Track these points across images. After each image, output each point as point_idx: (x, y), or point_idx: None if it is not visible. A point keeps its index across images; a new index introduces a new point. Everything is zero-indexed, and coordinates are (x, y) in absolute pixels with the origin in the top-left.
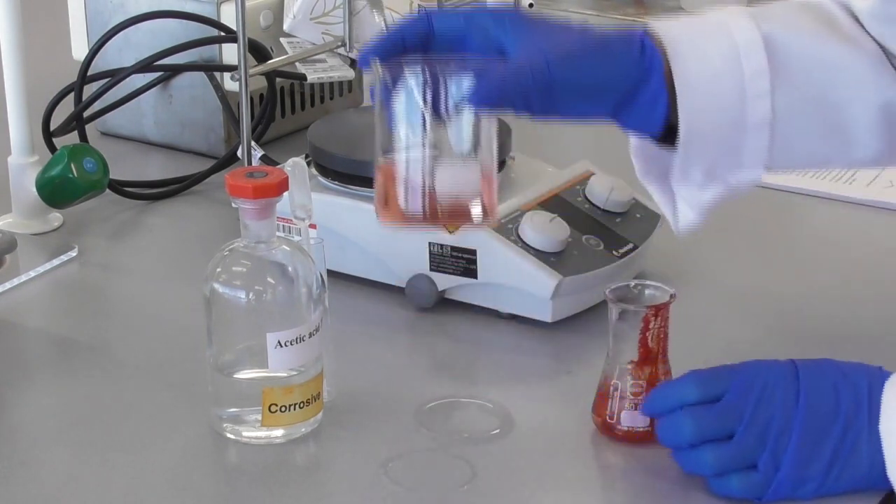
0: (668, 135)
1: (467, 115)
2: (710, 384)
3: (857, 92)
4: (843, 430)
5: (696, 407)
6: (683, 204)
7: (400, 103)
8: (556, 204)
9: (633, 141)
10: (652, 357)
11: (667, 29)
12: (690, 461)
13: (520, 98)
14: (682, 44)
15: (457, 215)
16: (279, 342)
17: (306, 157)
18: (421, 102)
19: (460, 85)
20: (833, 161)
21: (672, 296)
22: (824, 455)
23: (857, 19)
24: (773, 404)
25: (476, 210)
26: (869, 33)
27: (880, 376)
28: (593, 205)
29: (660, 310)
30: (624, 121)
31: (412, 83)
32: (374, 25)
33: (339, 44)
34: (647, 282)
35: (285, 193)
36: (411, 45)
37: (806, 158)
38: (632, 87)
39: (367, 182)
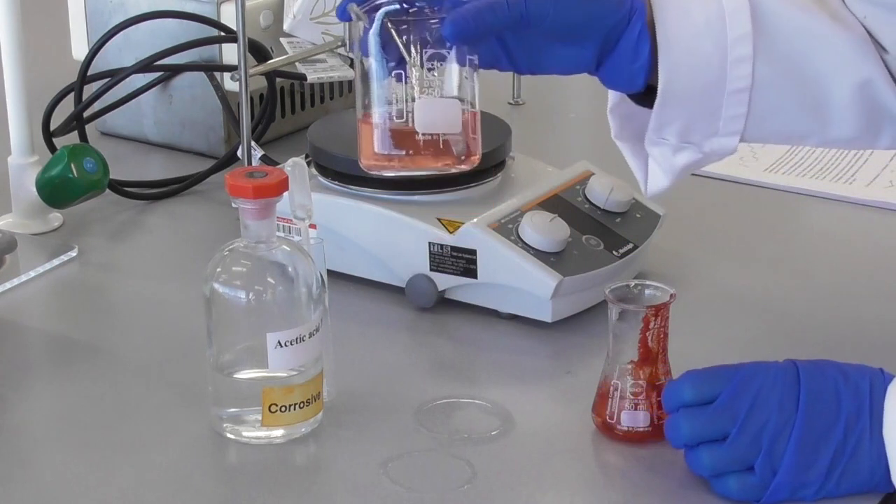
0: (646, 96)
1: (448, 56)
2: (706, 385)
3: (837, 68)
4: (844, 433)
5: (691, 408)
6: (655, 166)
7: (379, 48)
8: (556, 204)
9: (612, 99)
10: (652, 357)
11: None
12: (691, 461)
13: (495, 33)
14: (668, 4)
15: (438, 154)
16: (279, 342)
17: (306, 157)
18: (401, 45)
19: (439, 26)
20: (809, 137)
21: (672, 296)
22: (824, 458)
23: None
24: (770, 406)
25: (458, 148)
26: (854, 15)
27: (882, 379)
28: (593, 205)
29: (660, 310)
30: (605, 73)
31: (391, 27)
32: None
33: (339, 44)
34: (647, 282)
35: (285, 193)
36: None
37: (782, 131)
38: (613, 32)
39: (368, 182)
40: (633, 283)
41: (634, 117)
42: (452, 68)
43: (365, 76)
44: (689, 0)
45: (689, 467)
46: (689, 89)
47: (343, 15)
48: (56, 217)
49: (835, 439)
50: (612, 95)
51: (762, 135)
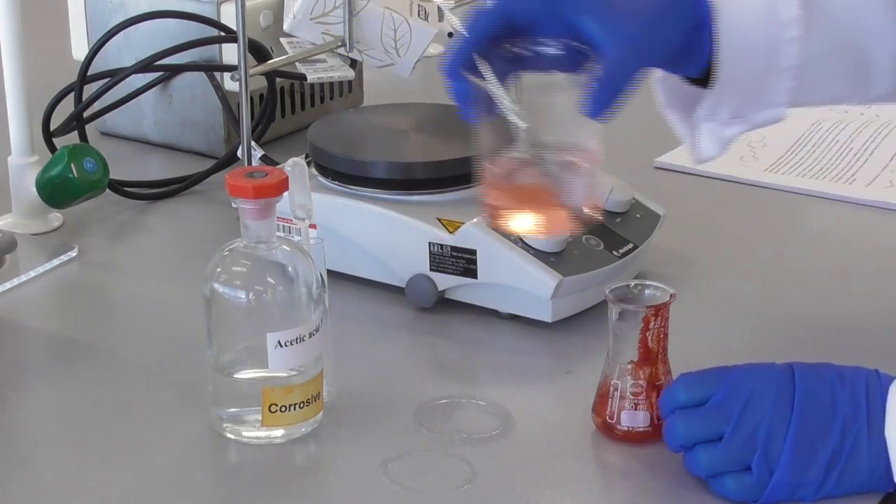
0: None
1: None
2: (699, 386)
3: (879, 34)
4: (841, 434)
5: (686, 409)
6: (705, 136)
7: (492, 108)
8: None
9: (659, 72)
10: (652, 357)
11: None
12: (688, 462)
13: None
14: None
15: (559, 214)
16: (279, 342)
17: (306, 157)
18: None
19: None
20: (851, 98)
21: (672, 296)
22: (822, 458)
23: None
24: (764, 407)
25: (579, 204)
26: None
27: (878, 380)
28: None
29: (660, 310)
30: (667, 67)
31: (500, 89)
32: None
33: (339, 44)
34: (647, 282)
35: (285, 193)
36: (487, 42)
37: (827, 97)
38: (686, 42)
39: (368, 182)
40: (633, 283)
41: (682, 90)
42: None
43: (488, 129)
44: None
45: (686, 469)
46: (744, 73)
47: (454, 76)
48: (56, 217)
49: (832, 440)
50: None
51: (809, 101)
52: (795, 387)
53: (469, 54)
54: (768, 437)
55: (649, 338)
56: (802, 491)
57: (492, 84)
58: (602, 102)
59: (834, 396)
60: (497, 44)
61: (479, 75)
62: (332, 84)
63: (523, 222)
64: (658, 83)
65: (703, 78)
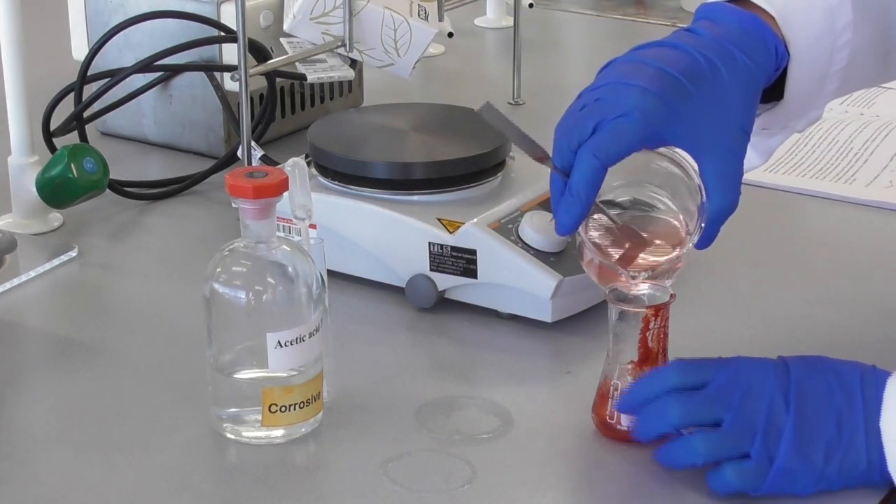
0: None
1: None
2: (695, 372)
3: None
4: (837, 425)
5: (683, 391)
6: (749, 150)
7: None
8: None
9: None
10: (652, 357)
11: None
12: (680, 450)
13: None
14: (791, 15)
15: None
16: (279, 342)
17: (306, 157)
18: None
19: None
20: (875, 83)
21: (672, 296)
22: (819, 448)
23: None
24: (762, 398)
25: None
26: None
27: (873, 373)
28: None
29: (660, 310)
30: None
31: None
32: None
33: (339, 44)
34: (648, 282)
35: (285, 193)
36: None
37: (860, 86)
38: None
39: (367, 182)
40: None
41: None
42: None
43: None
44: (806, 3)
45: (672, 461)
46: (805, 90)
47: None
48: (56, 217)
49: (829, 430)
50: None
51: (843, 94)
52: (790, 380)
53: (587, 212)
54: (768, 425)
55: (649, 338)
56: (802, 480)
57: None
58: (711, 238)
59: (829, 388)
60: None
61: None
62: (332, 84)
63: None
64: None
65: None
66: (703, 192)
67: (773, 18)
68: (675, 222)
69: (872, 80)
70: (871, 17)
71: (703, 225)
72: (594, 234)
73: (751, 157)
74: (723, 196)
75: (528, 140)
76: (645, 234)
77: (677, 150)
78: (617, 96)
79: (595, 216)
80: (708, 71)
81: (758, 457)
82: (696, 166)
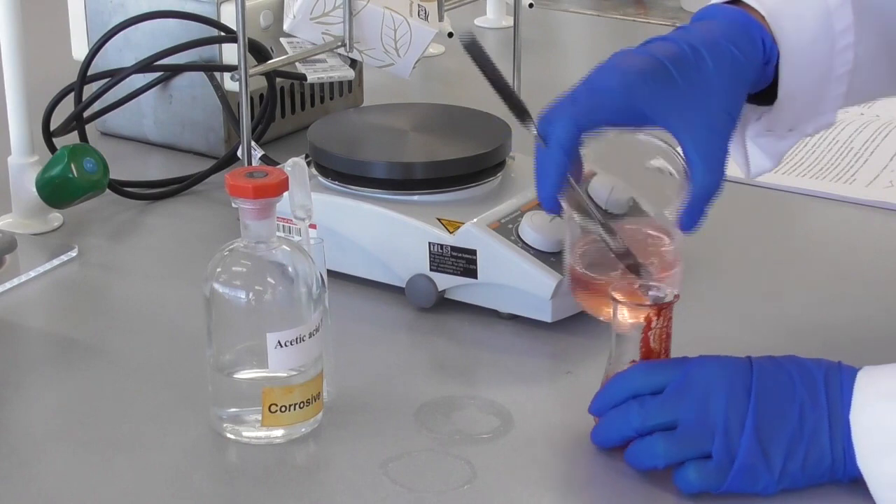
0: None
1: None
2: (657, 374)
3: None
4: (799, 420)
5: (642, 396)
6: (759, 153)
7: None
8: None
9: None
10: (654, 357)
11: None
12: (642, 453)
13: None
14: (781, 14)
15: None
16: (279, 342)
17: (306, 157)
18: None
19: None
20: (892, 91)
21: (676, 296)
22: (780, 444)
23: None
24: (720, 396)
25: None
26: None
27: (838, 369)
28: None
29: (662, 309)
30: None
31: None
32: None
33: (339, 44)
34: (651, 282)
35: (285, 193)
36: (576, 156)
37: (873, 94)
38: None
39: (367, 182)
40: (636, 284)
41: None
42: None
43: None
44: (799, 3)
45: (636, 463)
46: (804, 87)
47: (551, 207)
48: (56, 217)
49: (790, 425)
50: None
51: (856, 101)
52: (753, 375)
53: (562, 182)
54: (727, 423)
55: (651, 338)
56: (764, 478)
57: (578, 195)
58: (695, 218)
59: (792, 385)
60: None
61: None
62: (332, 84)
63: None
64: None
65: (754, 94)
66: (688, 173)
67: (763, 17)
68: (666, 237)
69: (888, 88)
70: (878, 22)
71: (686, 204)
72: (582, 266)
73: (761, 161)
74: (705, 174)
75: (512, 94)
76: (641, 260)
77: (662, 139)
78: (600, 75)
79: (582, 247)
80: (692, 56)
81: (718, 456)
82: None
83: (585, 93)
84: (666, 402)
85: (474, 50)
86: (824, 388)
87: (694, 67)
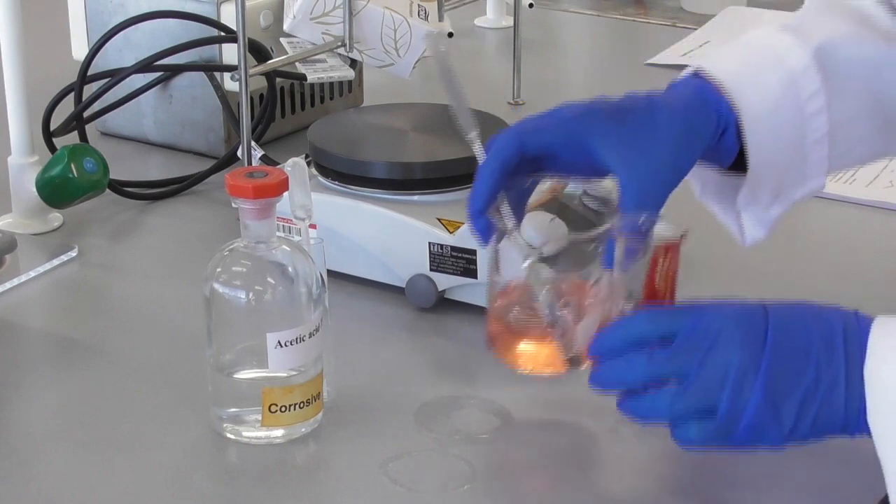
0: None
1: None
2: (665, 322)
3: None
4: (815, 374)
5: (647, 346)
6: (751, 222)
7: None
8: (555, 205)
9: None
10: (659, 298)
11: (720, 65)
12: (644, 406)
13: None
14: (741, 83)
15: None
16: (279, 342)
17: (306, 157)
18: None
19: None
20: (887, 153)
21: (683, 235)
22: (793, 403)
23: (890, 7)
24: (733, 345)
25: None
26: None
27: (856, 317)
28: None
29: (669, 249)
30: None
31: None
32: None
33: (339, 44)
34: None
35: (285, 193)
36: (507, 177)
37: (863, 157)
38: (713, 147)
39: (367, 182)
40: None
41: (715, 178)
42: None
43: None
44: (761, 72)
45: (637, 414)
46: (776, 156)
47: (480, 228)
48: (56, 217)
49: (803, 386)
50: None
51: (847, 165)
52: (768, 323)
53: (493, 196)
54: (738, 377)
55: (657, 278)
56: (772, 434)
57: (508, 221)
58: (629, 256)
59: (808, 330)
60: (517, 173)
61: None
62: (332, 84)
63: (517, 355)
64: (690, 176)
65: (734, 163)
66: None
67: (721, 85)
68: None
69: (879, 151)
70: (855, 84)
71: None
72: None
73: (754, 230)
74: (636, 212)
75: (467, 112)
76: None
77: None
78: (558, 107)
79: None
80: (646, 106)
81: (725, 413)
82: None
83: (537, 116)
84: (676, 355)
85: (443, 60)
86: (843, 343)
87: (646, 114)
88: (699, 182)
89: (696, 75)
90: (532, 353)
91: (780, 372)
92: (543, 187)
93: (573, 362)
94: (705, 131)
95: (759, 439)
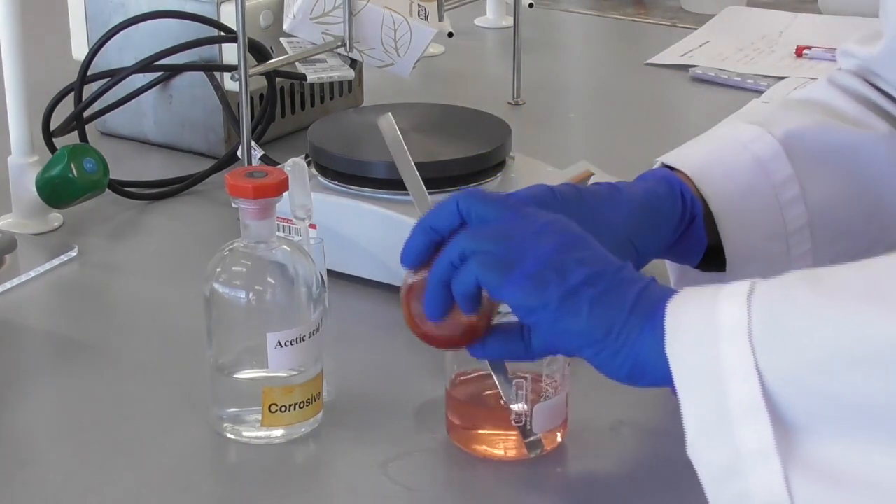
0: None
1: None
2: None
3: (880, 172)
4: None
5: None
6: None
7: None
8: None
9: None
10: None
11: (685, 158)
12: (459, 281)
13: None
14: (709, 173)
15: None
16: (279, 342)
17: (306, 157)
18: None
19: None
20: (880, 244)
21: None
22: (584, 270)
23: (859, 101)
24: (536, 217)
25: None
26: (879, 104)
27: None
28: None
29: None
30: (668, 257)
31: None
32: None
33: (339, 44)
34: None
35: (285, 193)
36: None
37: (852, 247)
38: (679, 237)
39: (367, 182)
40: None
41: (694, 274)
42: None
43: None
44: (726, 159)
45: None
46: (754, 249)
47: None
48: (56, 217)
49: (598, 267)
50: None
51: (836, 256)
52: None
53: (427, 242)
54: (539, 231)
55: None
56: (551, 291)
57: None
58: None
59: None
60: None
61: None
62: (332, 84)
63: (478, 442)
64: (670, 269)
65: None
66: None
67: (687, 177)
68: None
69: (878, 238)
70: (831, 170)
71: None
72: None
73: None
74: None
75: (419, 187)
76: None
77: None
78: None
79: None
80: (607, 188)
81: (511, 253)
82: None
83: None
84: (475, 232)
85: (388, 129)
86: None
87: (606, 195)
88: (678, 274)
89: (663, 167)
90: (493, 440)
91: (576, 245)
92: None
93: (531, 447)
94: (670, 208)
95: (536, 292)
